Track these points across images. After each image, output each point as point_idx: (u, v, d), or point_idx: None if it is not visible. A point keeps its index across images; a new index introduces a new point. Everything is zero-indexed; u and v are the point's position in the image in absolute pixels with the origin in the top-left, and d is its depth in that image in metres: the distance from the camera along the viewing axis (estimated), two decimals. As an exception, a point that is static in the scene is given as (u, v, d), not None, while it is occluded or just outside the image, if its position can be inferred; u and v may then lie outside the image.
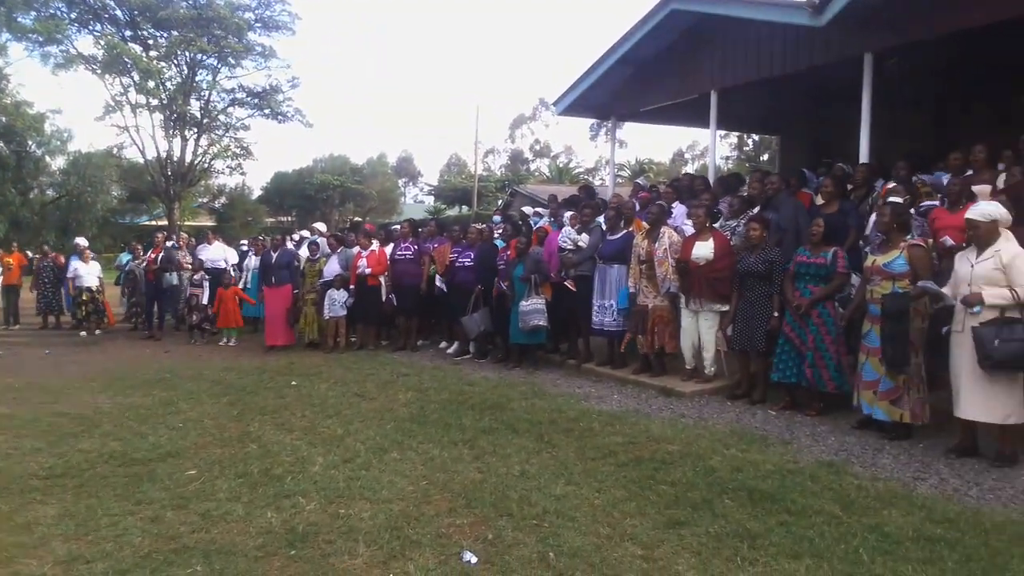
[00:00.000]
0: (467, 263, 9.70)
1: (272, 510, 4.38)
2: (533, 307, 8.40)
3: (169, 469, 5.20)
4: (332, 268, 10.69)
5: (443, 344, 10.47)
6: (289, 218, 43.57)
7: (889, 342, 5.25)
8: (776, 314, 6.42)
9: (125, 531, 4.12)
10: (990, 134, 7.39)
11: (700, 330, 7.19)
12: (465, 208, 42.63)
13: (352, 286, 10.48)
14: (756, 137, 32.57)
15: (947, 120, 10.46)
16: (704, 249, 7.04)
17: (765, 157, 31.67)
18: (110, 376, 8.84)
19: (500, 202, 36.23)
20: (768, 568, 3.46)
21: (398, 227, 11.27)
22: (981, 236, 4.84)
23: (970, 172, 6.49)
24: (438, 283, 10.09)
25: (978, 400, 4.81)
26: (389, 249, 10.72)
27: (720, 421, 6.16)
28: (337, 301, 10.47)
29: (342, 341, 10.56)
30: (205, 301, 11.92)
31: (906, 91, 9.97)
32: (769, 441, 5.51)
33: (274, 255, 11.02)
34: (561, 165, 51.41)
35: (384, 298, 10.50)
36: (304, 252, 11.61)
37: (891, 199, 5.81)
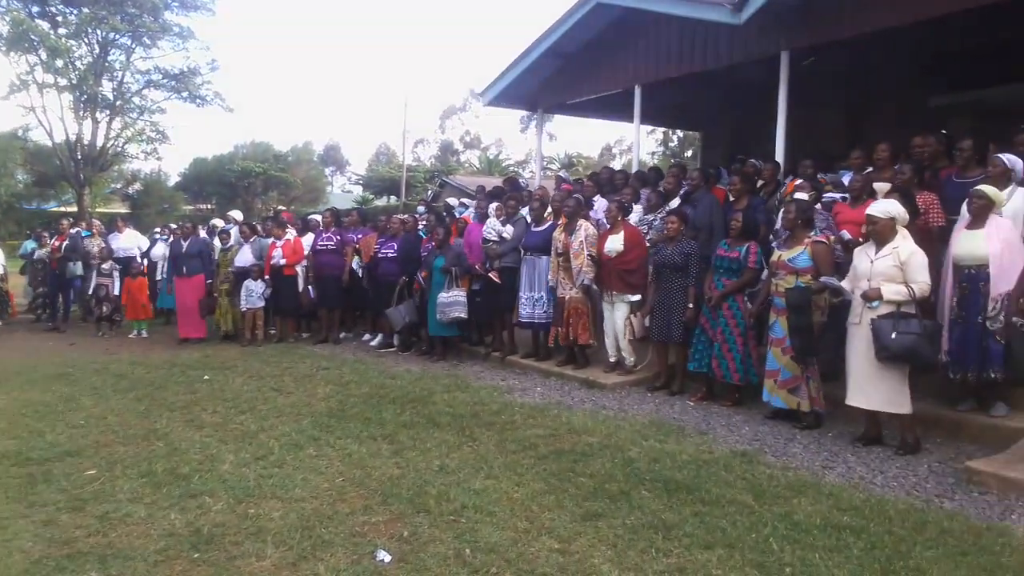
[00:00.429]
0: (391, 254, 9.54)
1: (176, 511, 4.18)
2: (453, 299, 8.34)
3: (67, 469, 4.91)
4: (244, 258, 10.31)
5: (367, 336, 10.29)
6: (208, 206, 42.08)
7: (795, 333, 5.41)
8: (691, 305, 6.53)
9: (15, 535, 3.87)
10: (897, 133, 7.70)
11: (615, 321, 7.27)
12: (394, 198, 42.09)
13: (267, 276, 10.16)
14: (681, 133, 33.20)
15: (857, 119, 10.85)
16: (615, 242, 7.15)
17: (689, 153, 32.33)
18: (7, 370, 8.31)
19: (429, 193, 35.91)
20: (681, 559, 3.48)
21: (318, 217, 10.96)
22: (879, 232, 5.01)
23: (871, 170, 6.75)
24: (354, 266, 9.89)
25: (870, 389, 4.99)
26: (308, 239, 10.44)
27: (640, 412, 6.22)
28: (254, 292, 10.12)
29: (260, 334, 10.22)
30: (116, 292, 11.37)
31: (820, 90, 10.28)
32: (686, 432, 5.59)
33: (184, 244, 10.56)
34: (491, 157, 51.36)
35: (301, 289, 10.23)
36: (217, 241, 11.19)
37: (796, 196, 5.98)
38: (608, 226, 7.44)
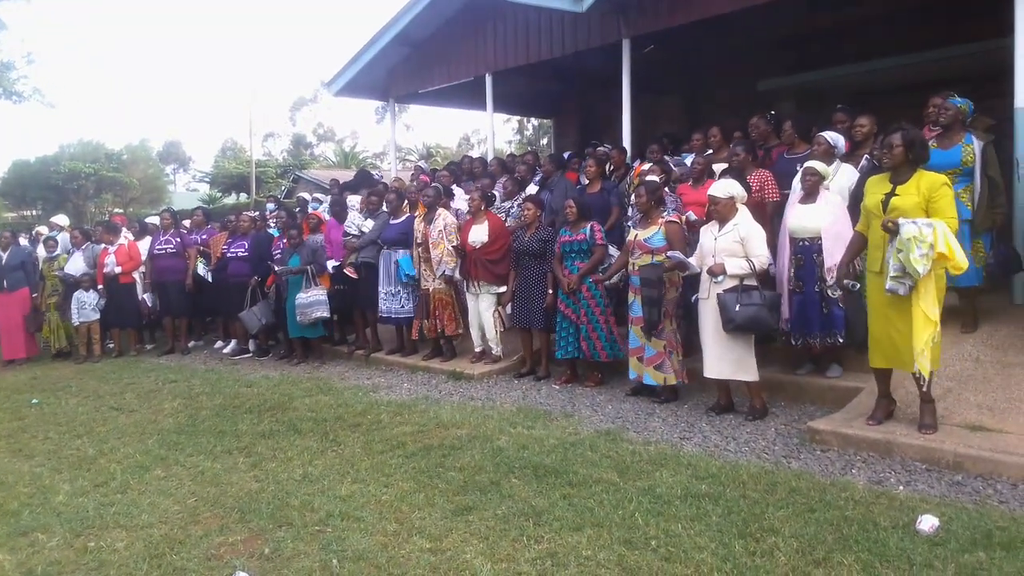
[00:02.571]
0: (241, 253, 9.04)
1: (4, 551, 3.76)
2: (313, 299, 8.03)
3: None
4: (76, 266, 9.43)
5: (219, 344, 9.72)
6: (33, 212, 38.39)
7: (647, 306, 5.62)
8: (550, 291, 6.62)
9: None
10: (731, 116, 8.15)
11: (480, 311, 7.26)
12: (244, 195, 40.09)
13: (100, 286, 9.35)
14: (535, 121, 33.77)
15: (697, 104, 11.42)
16: (479, 232, 7.12)
17: (544, 141, 32.95)
18: None
19: (283, 188, 34.50)
20: (553, 544, 3.50)
21: (155, 219, 10.19)
22: (720, 211, 5.27)
23: (710, 152, 7.11)
24: (201, 271, 9.30)
25: (722, 360, 5.26)
26: (146, 243, 9.70)
27: (507, 400, 6.24)
28: (87, 304, 9.28)
29: (96, 349, 9.40)
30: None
31: (662, 77, 10.72)
32: (553, 416, 5.66)
33: (3, 255, 9.52)
34: (347, 149, 50.00)
35: (141, 297, 9.50)
36: (42, 251, 10.17)
37: (647, 178, 6.19)
38: (468, 216, 7.40)
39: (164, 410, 6.54)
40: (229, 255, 9.12)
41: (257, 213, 10.11)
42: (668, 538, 3.45)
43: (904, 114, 5.75)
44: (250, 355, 9.10)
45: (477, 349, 7.47)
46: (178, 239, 9.56)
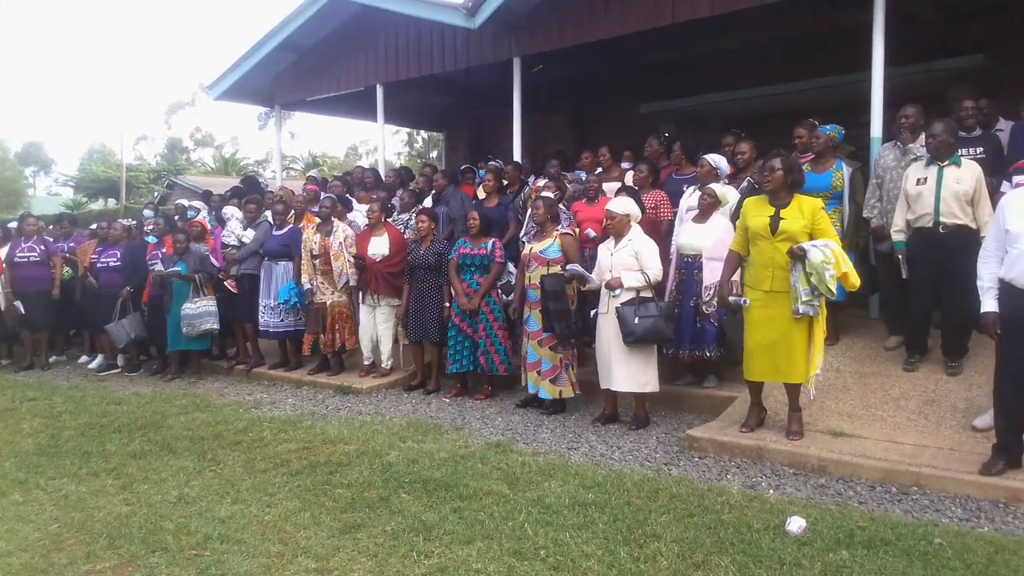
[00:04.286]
0: (113, 263, 8.52)
1: None
2: (203, 309, 7.66)
3: None
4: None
5: (83, 359, 9.10)
6: None
7: (555, 318, 5.69)
8: (447, 304, 6.61)
9: None
10: (616, 137, 8.45)
11: (377, 324, 7.15)
12: (112, 201, 37.73)
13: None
14: (426, 133, 33.67)
15: (584, 124, 11.77)
16: (379, 245, 7.03)
17: (435, 154, 32.91)
18: None
19: (156, 194, 32.70)
20: (443, 558, 3.48)
21: (13, 224, 9.44)
22: (616, 226, 5.46)
23: (600, 170, 7.36)
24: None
25: (623, 372, 5.41)
26: (4, 251, 8.96)
27: (397, 414, 6.16)
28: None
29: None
30: None
31: (552, 95, 10.99)
32: (443, 429, 5.64)
33: None
34: (227, 156, 48.02)
35: (3, 307, 8.77)
36: None
37: (543, 194, 6.33)
38: (366, 227, 7.29)
39: (22, 430, 6.05)
40: (100, 265, 8.58)
41: (133, 221, 9.53)
42: (556, 547, 3.51)
43: (776, 140, 6.18)
44: (119, 370, 8.57)
45: (367, 362, 7.34)
46: (42, 247, 8.90)
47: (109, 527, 4.01)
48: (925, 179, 5.15)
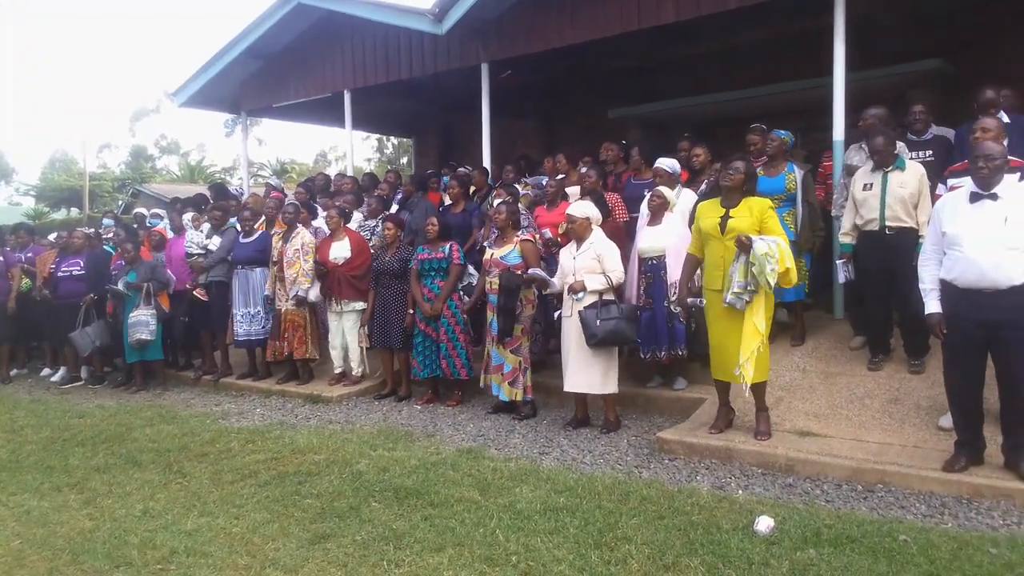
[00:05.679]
0: (76, 272, 8.36)
1: None
2: (138, 319, 7.55)
3: None
4: None
5: (46, 371, 8.90)
6: None
7: (501, 314, 5.72)
8: (411, 311, 6.58)
9: None
10: (585, 142, 8.50)
11: (345, 331, 7.10)
12: (75, 211, 37.00)
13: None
14: (396, 140, 33.54)
15: (554, 129, 11.82)
16: (341, 249, 7.00)
17: (405, 160, 32.78)
18: None
19: (120, 203, 32.17)
20: (414, 567, 3.46)
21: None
22: (576, 230, 5.50)
23: (562, 176, 7.40)
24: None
25: (583, 374, 5.44)
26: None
27: (368, 422, 6.12)
28: None
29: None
30: None
31: (522, 101, 11.01)
32: (414, 436, 5.61)
33: None
34: (193, 163, 47.38)
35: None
36: None
37: (495, 201, 6.36)
38: (328, 233, 7.24)
39: (-20, 446, 5.90)
40: (61, 274, 8.40)
41: (92, 230, 9.36)
42: (528, 552, 3.50)
43: (742, 144, 6.27)
44: (82, 383, 8.41)
45: (337, 370, 7.28)
46: (0, 257, 8.69)
47: (72, 543, 3.94)
48: (871, 184, 5.29)
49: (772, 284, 4.56)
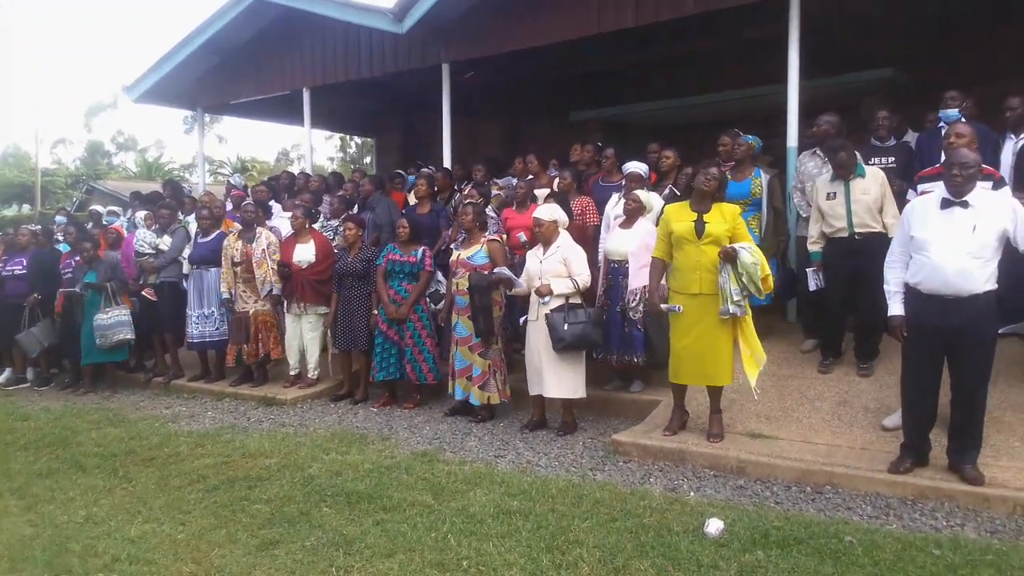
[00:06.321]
0: (18, 271, 8.11)
1: None
2: (115, 319, 7.35)
3: None
4: None
5: (-10, 372, 8.60)
6: None
7: (477, 313, 5.66)
8: (376, 312, 6.51)
9: None
10: (549, 143, 8.51)
11: (303, 333, 7.00)
12: (27, 207, 35.98)
13: None
14: (358, 139, 33.26)
15: (517, 129, 11.82)
16: (306, 252, 6.90)
17: (368, 159, 32.52)
18: None
19: (75, 200, 31.35)
20: (363, 572, 3.41)
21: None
22: (544, 233, 5.49)
23: (531, 177, 7.39)
24: None
25: (554, 379, 5.42)
26: None
27: (322, 425, 6.03)
28: None
29: None
30: None
31: (485, 102, 10.98)
32: (369, 439, 5.54)
33: None
34: (151, 160, 46.38)
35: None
36: None
37: (467, 201, 6.32)
38: (290, 233, 7.13)
39: (-85, 451, 5.68)
40: (4, 273, 8.15)
41: (39, 227, 9.09)
42: (479, 557, 3.48)
43: (697, 150, 6.33)
44: (28, 385, 8.16)
45: (292, 372, 7.17)
46: (-62, 255, 8.39)
47: (11, 550, 3.82)
48: (835, 193, 5.37)
49: (763, 291, 4.62)
